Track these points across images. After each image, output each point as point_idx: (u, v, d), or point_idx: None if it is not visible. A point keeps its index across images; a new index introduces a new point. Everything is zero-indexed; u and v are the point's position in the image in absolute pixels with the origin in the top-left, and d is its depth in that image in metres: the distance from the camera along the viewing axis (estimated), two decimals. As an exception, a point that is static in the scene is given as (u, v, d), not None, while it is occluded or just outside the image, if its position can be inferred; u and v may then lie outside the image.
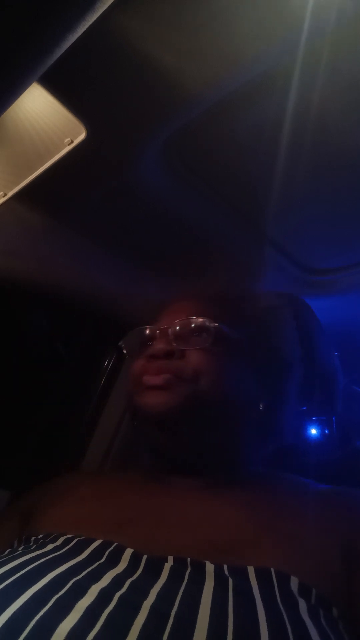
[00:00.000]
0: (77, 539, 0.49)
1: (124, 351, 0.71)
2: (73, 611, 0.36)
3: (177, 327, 0.64)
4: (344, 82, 0.54)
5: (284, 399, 0.68)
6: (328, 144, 0.63)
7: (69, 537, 0.49)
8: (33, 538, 0.52)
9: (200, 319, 0.64)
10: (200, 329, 0.64)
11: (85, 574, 0.42)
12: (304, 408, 0.82)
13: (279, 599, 0.40)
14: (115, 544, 0.47)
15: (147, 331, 0.68)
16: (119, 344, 0.71)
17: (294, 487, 0.61)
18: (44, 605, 0.37)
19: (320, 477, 0.65)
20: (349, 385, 1.09)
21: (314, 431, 0.95)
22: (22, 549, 0.49)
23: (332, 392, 0.81)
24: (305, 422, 0.97)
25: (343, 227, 0.80)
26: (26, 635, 0.34)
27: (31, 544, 0.51)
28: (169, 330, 0.64)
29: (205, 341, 0.62)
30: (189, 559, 0.45)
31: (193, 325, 0.64)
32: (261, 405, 0.63)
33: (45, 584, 0.39)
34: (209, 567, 0.43)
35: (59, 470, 1.01)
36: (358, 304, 0.99)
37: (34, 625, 0.35)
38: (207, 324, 0.63)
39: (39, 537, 0.52)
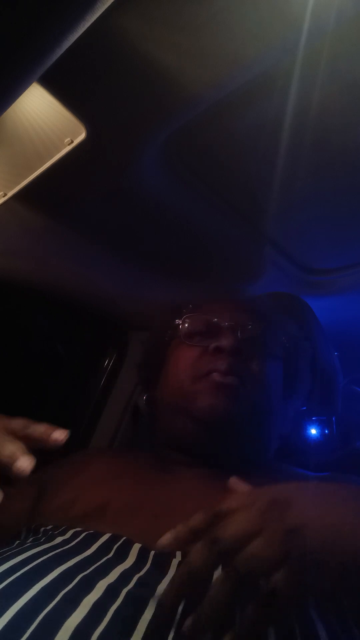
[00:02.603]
0: (85, 533, 0.49)
1: (182, 333, 0.68)
2: (80, 606, 0.36)
3: (247, 327, 0.65)
4: (344, 82, 0.54)
5: (295, 398, 0.72)
6: (328, 144, 0.63)
7: (77, 531, 0.49)
8: (42, 529, 0.52)
9: (266, 333, 0.66)
10: (266, 342, 0.66)
11: (93, 569, 0.42)
12: (304, 408, 0.82)
13: None
14: (123, 539, 0.47)
15: (214, 321, 0.66)
16: (176, 322, 0.69)
17: (294, 478, 0.62)
18: (51, 600, 0.37)
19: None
20: (349, 385, 1.09)
21: (314, 431, 0.95)
22: (30, 541, 0.49)
23: (332, 392, 0.81)
24: (305, 422, 0.97)
25: (343, 228, 0.80)
26: (33, 630, 0.34)
27: (40, 535, 0.51)
28: (238, 328, 0.64)
29: (270, 348, 0.65)
30: None
31: (260, 337, 0.66)
32: (285, 407, 0.68)
33: (53, 579, 0.39)
34: None
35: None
36: (358, 304, 0.99)
37: (41, 620, 0.35)
38: (273, 342, 0.67)
39: (48, 528, 0.52)
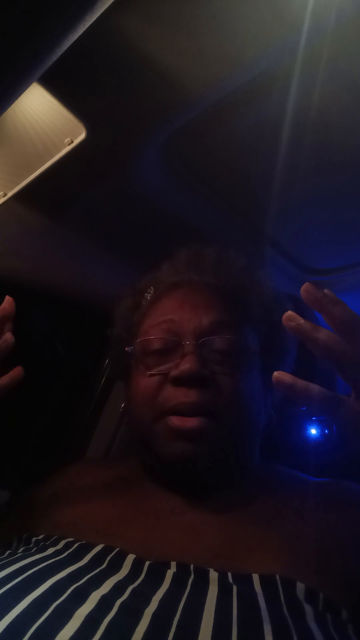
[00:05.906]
0: (78, 544, 0.48)
1: (135, 359, 0.60)
2: (73, 618, 0.36)
3: (210, 345, 0.56)
4: (344, 82, 0.54)
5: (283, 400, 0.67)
6: (328, 144, 0.63)
7: (69, 541, 0.49)
8: (34, 539, 0.51)
9: (236, 340, 0.57)
10: (237, 350, 0.57)
11: (86, 580, 0.41)
12: (304, 408, 0.81)
13: (284, 606, 0.39)
14: (116, 550, 0.47)
15: (172, 339, 0.58)
16: (126, 349, 0.63)
17: (292, 484, 0.60)
18: (44, 612, 0.36)
19: (320, 477, 0.64)
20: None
21: (314, 431, 0.95)
22: (22, 551, 0.48)
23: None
24: (305, 422, 0.97)
25: (342, 228, 0.80)
26: None
27: (31, 545, 0.50)
28: (203, 343, 0.56)
29: (241, 364, 0.57)
30: (192, 566, 0.44)
31: (229, 346, 0.57)
32: (271, 415, 0.63)
33: (45, 590, 0.39)
34: (213, 575, 0.43)
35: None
36: (358, 304, 0.99)
37: (33, 633, 0.34)
38: (245, 346, 0.58)
39: (39, 538, 0.51)
